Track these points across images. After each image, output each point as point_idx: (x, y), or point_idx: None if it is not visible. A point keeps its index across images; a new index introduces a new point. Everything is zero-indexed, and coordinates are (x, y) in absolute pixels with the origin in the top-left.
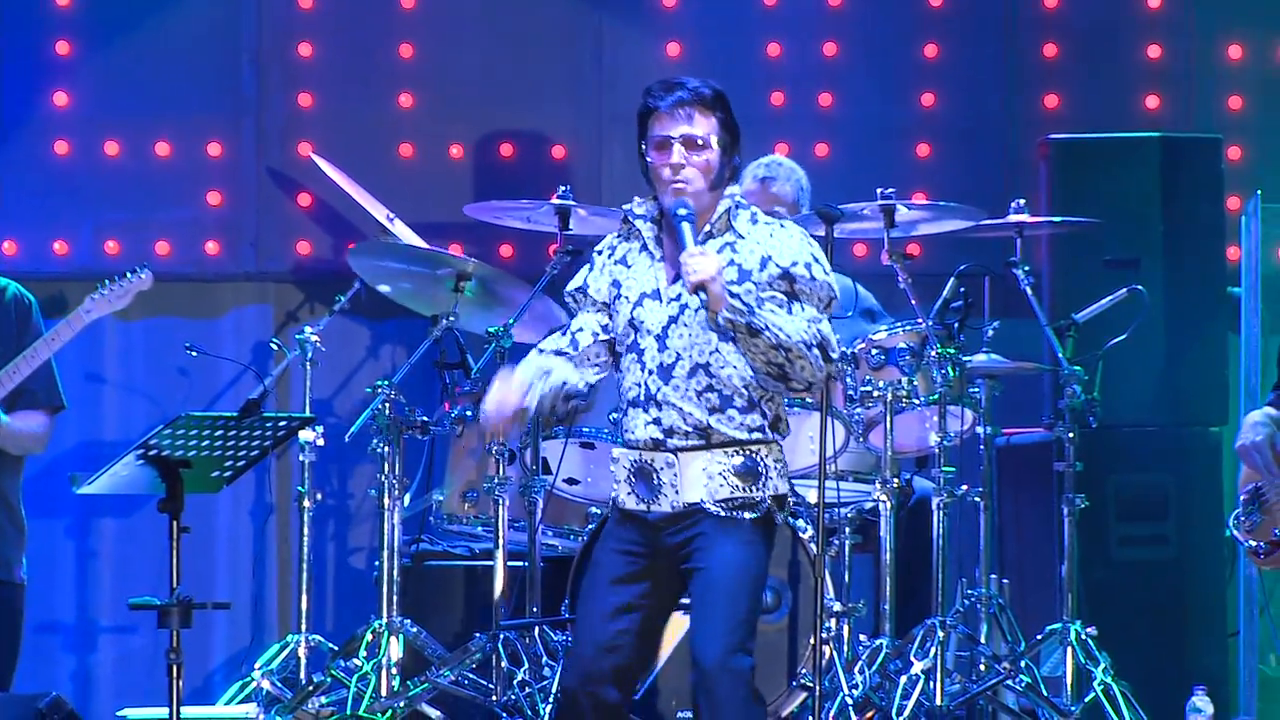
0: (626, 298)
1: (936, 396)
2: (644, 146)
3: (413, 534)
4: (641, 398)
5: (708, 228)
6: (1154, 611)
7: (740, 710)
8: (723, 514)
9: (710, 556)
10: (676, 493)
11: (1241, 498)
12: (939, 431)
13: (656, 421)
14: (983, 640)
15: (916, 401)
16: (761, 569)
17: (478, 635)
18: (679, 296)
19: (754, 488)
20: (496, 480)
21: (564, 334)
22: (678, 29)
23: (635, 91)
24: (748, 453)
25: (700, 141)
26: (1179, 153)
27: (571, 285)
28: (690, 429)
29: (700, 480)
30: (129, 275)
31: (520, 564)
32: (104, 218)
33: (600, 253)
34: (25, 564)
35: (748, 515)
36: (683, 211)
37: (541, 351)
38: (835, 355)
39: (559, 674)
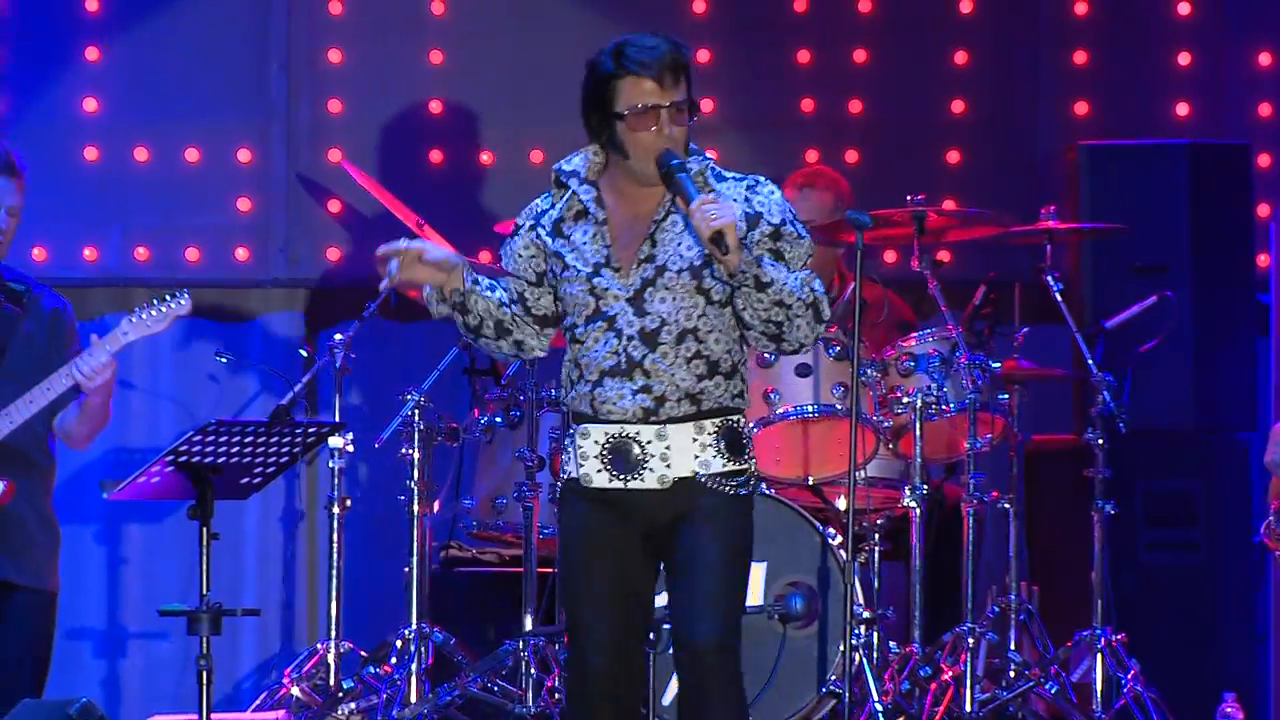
0: (577, 268)
1: (967, 403)
2: (618, 111)
3: (442, 540)
4: (623, 365)
5: None
6: (1183, 617)
7: (735, 695)
8: (715, 488)
9: (702, 535)
10: (667, 466)
11: (1272, 506)
12: (969, 438)
13: (646, 389)
14: (1012, 647)
15: (946, 408)
16: (750, 546)
17: (507, 642)
18: (654, 258)
19: (740, 459)
20: (526, 487)
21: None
22: (707, 36)
23: None
24: (732, 422)
25: (684, 106)
26: (1208, 160)
27: (503, 259)
28: (683, 396)
29: (691, 452)
30: (168, 299)
31: (550, 570)
32: (134, 224)
33: (522, 226)
34: (59, 570)
35: (738, 490)
36: (676, 162)
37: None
38: (826, 316)
39: (566, 675)
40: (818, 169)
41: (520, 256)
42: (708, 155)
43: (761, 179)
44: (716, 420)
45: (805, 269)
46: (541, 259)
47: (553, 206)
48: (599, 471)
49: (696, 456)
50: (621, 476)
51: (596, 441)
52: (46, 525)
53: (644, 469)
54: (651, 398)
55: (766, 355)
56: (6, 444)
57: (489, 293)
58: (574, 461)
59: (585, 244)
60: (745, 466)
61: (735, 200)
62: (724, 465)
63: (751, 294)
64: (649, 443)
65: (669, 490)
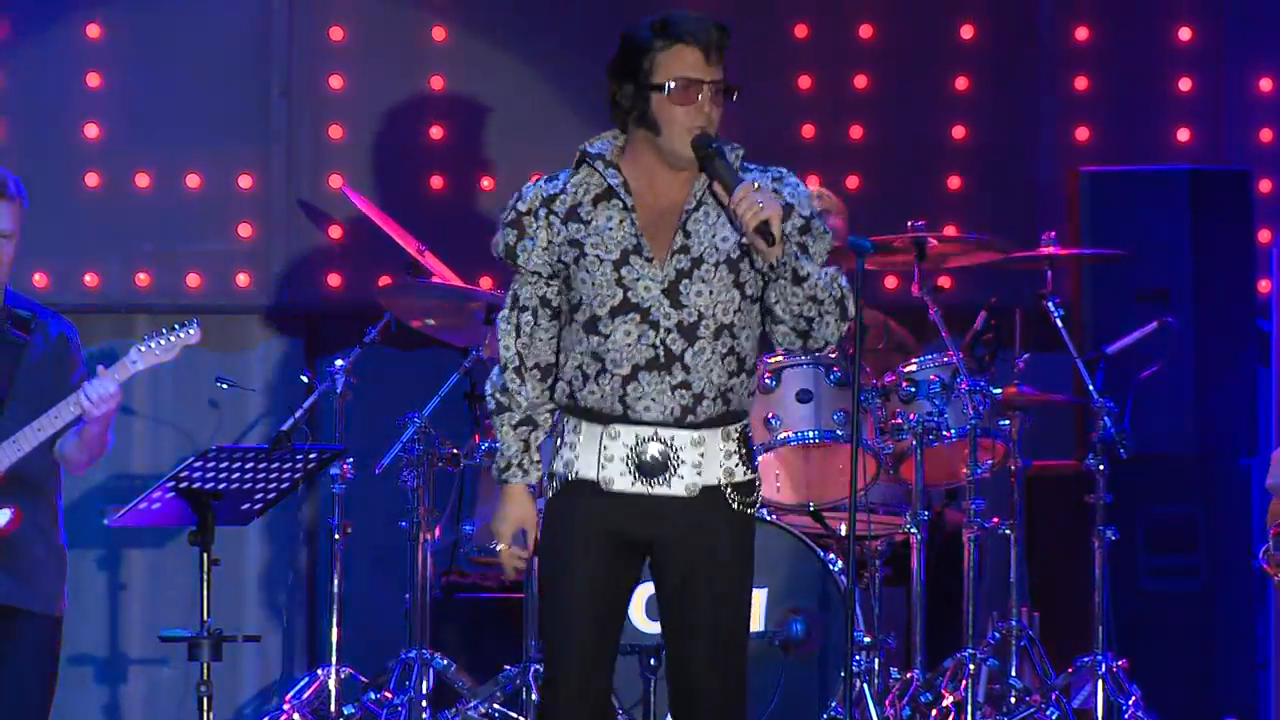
0: (599, 257)
1: (967, 429)
2: (656, 83)
3: (443, 566)
4: (662, 359)
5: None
6: (1184, 643)
7: None
8: (734, 506)
9: (715, 565)
10: (698, 474)
11: (1271, 532)
12: (970, 464)
13: (685, 386)
14: (1013, 673)
15: (947, 434)
16: (752, 570)
17: (508, 667)
18: (688, 249)
19: (752, 467)
20: None
21: (515, 310)
22: None
23: None
24: (746, 427)
25: (724, 88)
26: (1209, 186)
27: (500, 250)
28: (718, 394)
29: (718, 458)
30: (177, 328)
31: None
32: (134, 249)
33: (531, 213)
34: (66, 596)
35: (750, 508)
36: (717, 145)
37: (514, 393)
38: (851, 314)
39: (545, 675)
40: (828, 194)
41: (543, 250)
42: (737, 145)
43: (785, 170)
44: (739, 425)
45: (828, 265)
46: (556, 248)
47: (562, 190)
48: (622, 474)
49: (723, 464)
50: (648, 481)
51: (626, 444)
52: (54, 551)
53: (673, 475)
54: (690, 394)
55: (764, 380)
56: (15, 471)
57: (532, 428)
58: (593, 463)
59: (609, 229)
60: (755, 476)
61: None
62: (745, 474)
63: (788, 287)
64: (683, 449)
65: (693, 499)
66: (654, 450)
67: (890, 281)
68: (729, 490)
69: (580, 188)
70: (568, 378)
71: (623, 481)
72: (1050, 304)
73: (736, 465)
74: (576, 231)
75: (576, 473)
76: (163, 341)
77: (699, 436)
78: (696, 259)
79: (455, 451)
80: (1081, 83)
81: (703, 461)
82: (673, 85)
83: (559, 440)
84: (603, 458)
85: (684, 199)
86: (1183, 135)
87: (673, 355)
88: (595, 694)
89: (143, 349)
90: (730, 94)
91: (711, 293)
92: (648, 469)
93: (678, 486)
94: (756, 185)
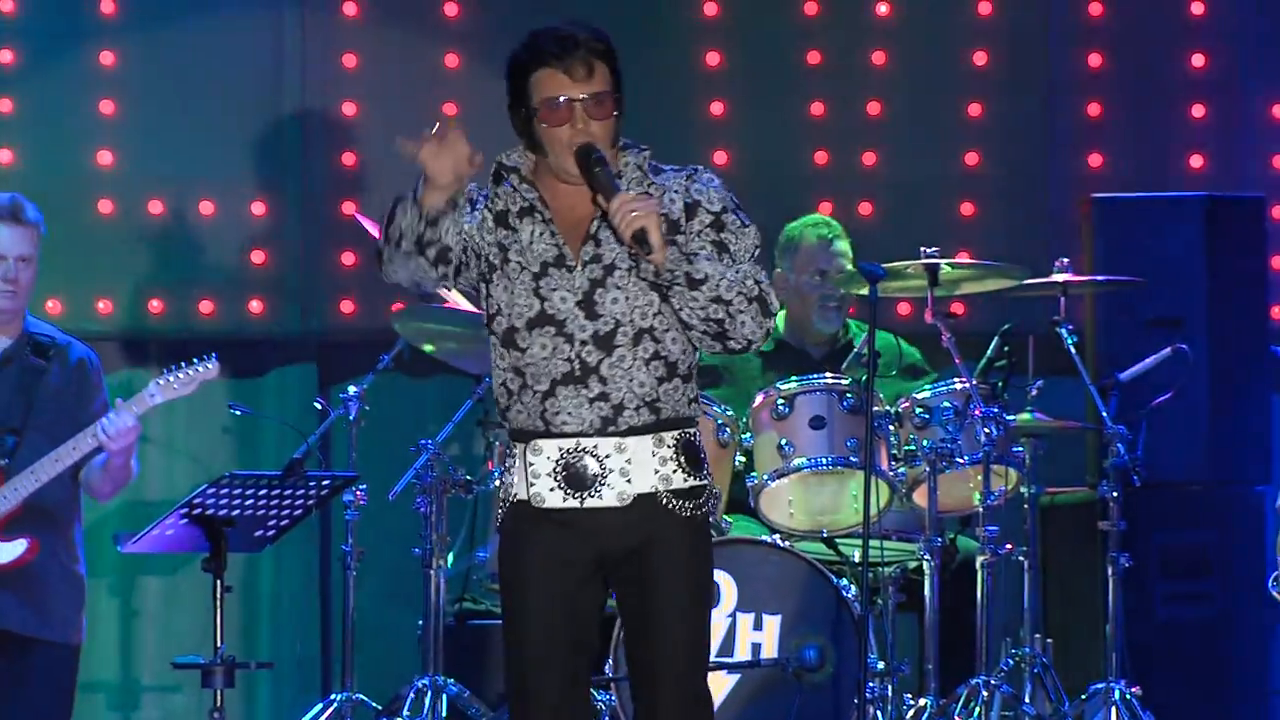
0: (521, 264)
1: (981, 455)
2: (532, 108)
3: (456, 593)
4: (577, 372)
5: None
6: (1198, 670)
7: None
8: (677, 510)
9: (666, 581)
10: (628, 482)
11: None
12: (983, 490)
13: (603, 397)
14: (1027, 700)
15: (960, 460)
16: (711, 572)
17: None
18: (600, 257)
19: (699, 474)
20: None
21: None
22: (721, 88)
23: (677, 149)
24: (690, 435)
25: (603, 98)
26: (1223, 212)
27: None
28: (641, 403)
29: (651, 465)
30: (195, 362)
31: None
32: (147, 276)
33: (463, 207)
34: (84, 624)
35: (698, 511)
36: (596, 155)
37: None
38: (775, 310)
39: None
40: (828, 219)
41: (468, 224)
42: (644, 147)
43: (700, 168)
44: (675, 433)
45: (753, 262)
46: (481, 232)
47: (492, 196)
48: (551, 490)
49: (657, 471)
50: (577, 495)
51: (549, 457)
52: (71, 580)
53: (602, 485)
54: (609, 406)
55: (777, 407)
56: (32, 501)
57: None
58: (523, 481)
59: (531, 243)
60: (704, 482)
61: (677, 193)
62: (684, 480)
63: (685, 293)
64: (607, 456)
65: (628, 508)
66: (580, 462)
67: (903, 308)
68: (669, 498)
69: (506, 198)
70: (495, 395)
71: (553, 497)
72: (1063, 330)
73: (674, 472)
74: (505, 237)
75: (515, 496)
76: (181, 375)
77: (622, 444)
78: (609, 266)
79: (468, 478)
80: (1094, 109)
81: (630, 469)
82: (542, 108)
83: (504, 463)
84: (529, 474)
85: (592, 210)
86: (1196, 162)
87: (589, 368)
88: (571, 713)
89: (161, 383)
90: (617, 103)
91: (628, 298)
92: (575, 481)
93: (609, 497)
94: (633, 195)
